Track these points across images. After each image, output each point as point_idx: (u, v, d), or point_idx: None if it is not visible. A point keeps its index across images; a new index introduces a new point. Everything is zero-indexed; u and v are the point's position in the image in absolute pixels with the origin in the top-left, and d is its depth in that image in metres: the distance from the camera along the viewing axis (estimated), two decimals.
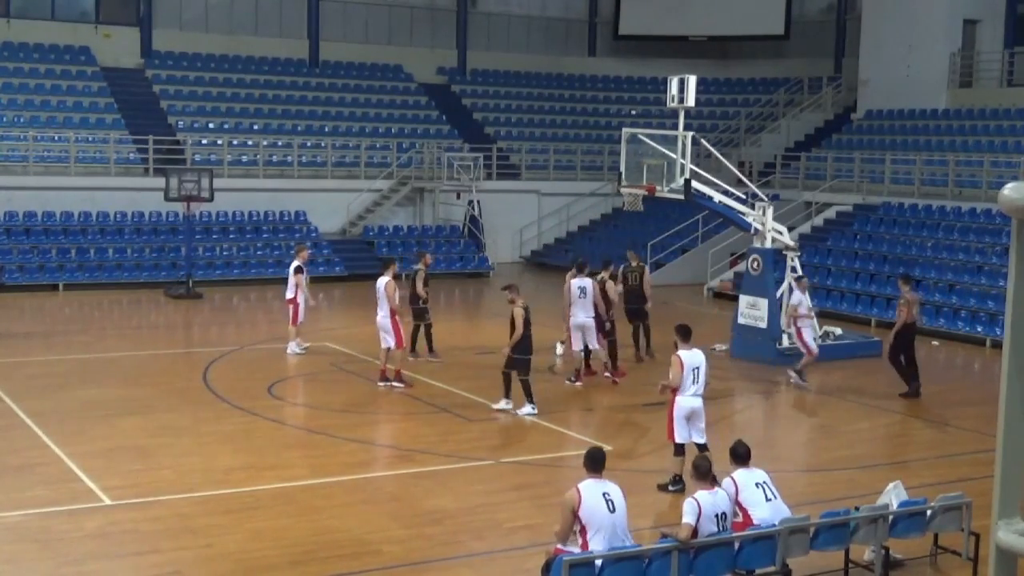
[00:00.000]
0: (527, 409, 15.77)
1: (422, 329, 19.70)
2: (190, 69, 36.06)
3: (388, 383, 17.43)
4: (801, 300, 18.83)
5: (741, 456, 9.74)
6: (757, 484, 9.63)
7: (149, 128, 32.43)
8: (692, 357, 12.44)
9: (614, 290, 18.88)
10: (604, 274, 19.00)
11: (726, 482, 9.57)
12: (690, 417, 12.43)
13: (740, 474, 9.66)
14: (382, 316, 17.45)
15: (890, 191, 30.32)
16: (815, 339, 18.99)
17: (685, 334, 12.63)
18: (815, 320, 19.44)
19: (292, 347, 20.05)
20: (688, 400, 12.37)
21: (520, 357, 15.67)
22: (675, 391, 12.39)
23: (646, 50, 41.80)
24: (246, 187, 31.65)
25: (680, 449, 12.46)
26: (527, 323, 15.59)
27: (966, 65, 33.92)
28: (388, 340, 17.41)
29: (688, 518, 9.09)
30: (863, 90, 35.65)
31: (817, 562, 9.94)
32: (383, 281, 17.53)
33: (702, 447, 12.31)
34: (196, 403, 16.28)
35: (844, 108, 37.76)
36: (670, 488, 12.48)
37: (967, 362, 21.95)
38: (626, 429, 15.69)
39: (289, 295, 20.10)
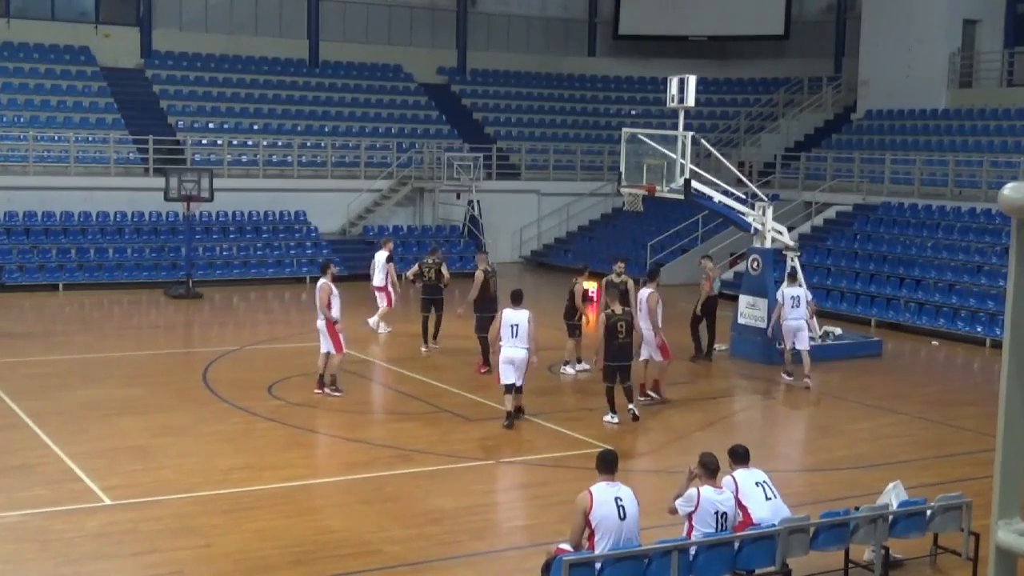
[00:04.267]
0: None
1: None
2: (190, 69, 36.05)
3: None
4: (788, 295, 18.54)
5: (741, 456, 9.85)
6: (757, 483, 9.71)
7: (149, 128, 32.41)
8: (514, 316, 14.91)
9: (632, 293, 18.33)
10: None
11: (726, 480, 9.62)
12: (512, 362, 14.78)
13: (740, 473, 9.74)
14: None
15: (890, 191, 30.30)
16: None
17: (515, 298, 15.19)
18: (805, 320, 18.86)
19: (383, 327, 21.80)
20: (507, 350, 14.82)
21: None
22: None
23: (646, 50, 41.79)
24: (246, 187, 31.63)
25: (508, 389, 14.92)
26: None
27: (966, 65, 33.91)
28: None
29: (683, 504, 9.25)
30: (863, 90, 35.61)
31: (817, 562, 9.94)
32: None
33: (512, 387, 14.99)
34: (196, 403, 16.26)
35: (844, 108, 37.70)
36: (504, 424, 14.88)
37: (967, 362, 21.93)
38: (626, 428, 15.67)
39: (381, 283, 21.74)
